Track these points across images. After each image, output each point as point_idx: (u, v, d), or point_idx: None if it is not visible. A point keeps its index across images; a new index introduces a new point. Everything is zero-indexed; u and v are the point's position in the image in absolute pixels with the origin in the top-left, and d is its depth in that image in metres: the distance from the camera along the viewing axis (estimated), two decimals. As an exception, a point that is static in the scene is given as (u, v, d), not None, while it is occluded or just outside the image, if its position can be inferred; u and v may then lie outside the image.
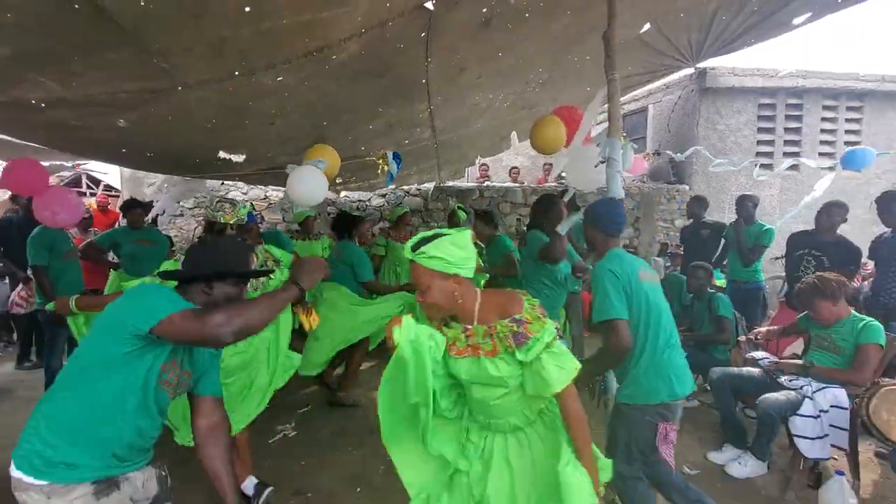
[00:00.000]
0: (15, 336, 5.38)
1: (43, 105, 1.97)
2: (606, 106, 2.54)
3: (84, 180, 11.61)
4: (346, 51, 1.99)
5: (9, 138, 3.16)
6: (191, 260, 1.59)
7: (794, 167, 6.32)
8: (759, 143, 7.71)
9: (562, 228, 2.91)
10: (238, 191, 7.18)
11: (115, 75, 1.82)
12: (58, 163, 4.78)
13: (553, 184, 8.02)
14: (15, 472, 1.35)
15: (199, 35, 1.64)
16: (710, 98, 7.57)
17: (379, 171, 4.20)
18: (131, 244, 4.09)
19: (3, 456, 3.00)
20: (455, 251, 1.36)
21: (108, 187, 11.37)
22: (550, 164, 9.16)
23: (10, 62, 1.65)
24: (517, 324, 1.34)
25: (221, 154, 2.92)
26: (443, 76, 2.64)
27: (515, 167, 9.21)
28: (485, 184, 7.91)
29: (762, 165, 5.65)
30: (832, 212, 3.58)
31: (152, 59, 1.68)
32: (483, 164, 9.58)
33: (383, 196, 7.14)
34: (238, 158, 3.04)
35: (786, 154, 7.56)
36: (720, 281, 4.91)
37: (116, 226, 6.27)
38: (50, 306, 2.39)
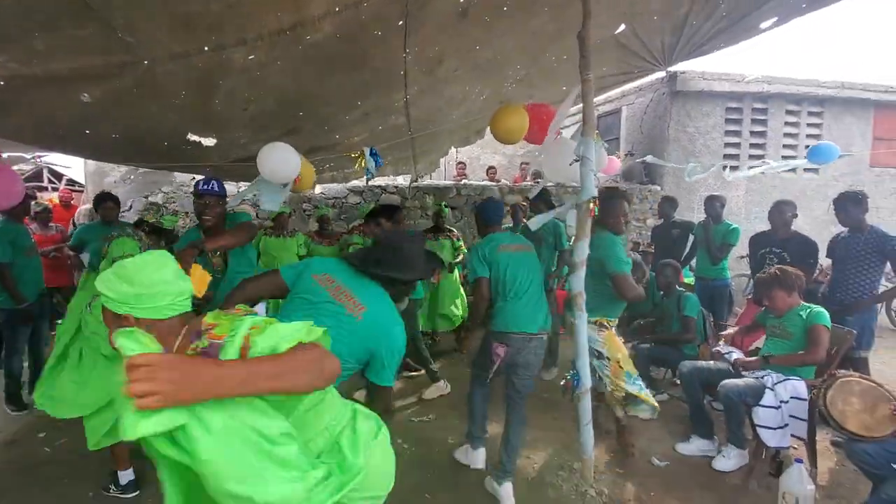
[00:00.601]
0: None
1: (1, 83, 1.88)
2: (581, 105, 2.59)
3: (45, 174, 11.13)
4: (321, 31, 1.95)
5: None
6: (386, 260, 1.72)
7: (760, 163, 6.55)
8: (727, 145, 7.96)
9: (533, 225, 2.96)
10: (210, 186, 7.01)
11: (79, 51, 1.75)
12: (17, 154, 4.58)
13: (529, 182, 8.11)
14: None
15: (165, 8, 1.59)
16: (681, 101, 7.77)
17: (356, 167, 4.17)
18: (102, 240, 3.87)
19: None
20: (119, 286, 1.11)
21: (71, 182, 10.92)
22: (527, 163, 9.27)
23: None
24: (200, 336, 1.14)
25: (191, 136, 2.81)
26: (420, 67, 2.63)
27: (492, 167, 9.26)
28: (462, 182, 7.94)
29: (731, 167, 5.84)
30: (782, 209, 3.76)
31: (117, 33, 1.62)
32: (460, 163, 9.60)
33: (360, 194, 7.09)
34: (208, 142, 2.93)
35: (751, 157, 7.83)
36: (689, 279, 5.06)
37: (76, 221, 6.04)
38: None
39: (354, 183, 7.31)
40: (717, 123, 7.91)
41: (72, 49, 1.75)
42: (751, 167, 5.81)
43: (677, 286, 3.89)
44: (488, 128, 4.03)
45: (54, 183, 11.08)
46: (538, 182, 8.26)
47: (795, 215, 3.81)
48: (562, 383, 2.84)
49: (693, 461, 2.96)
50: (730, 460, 2.85)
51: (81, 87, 2.08)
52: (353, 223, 6.35)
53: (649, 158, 6.39)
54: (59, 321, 3.60)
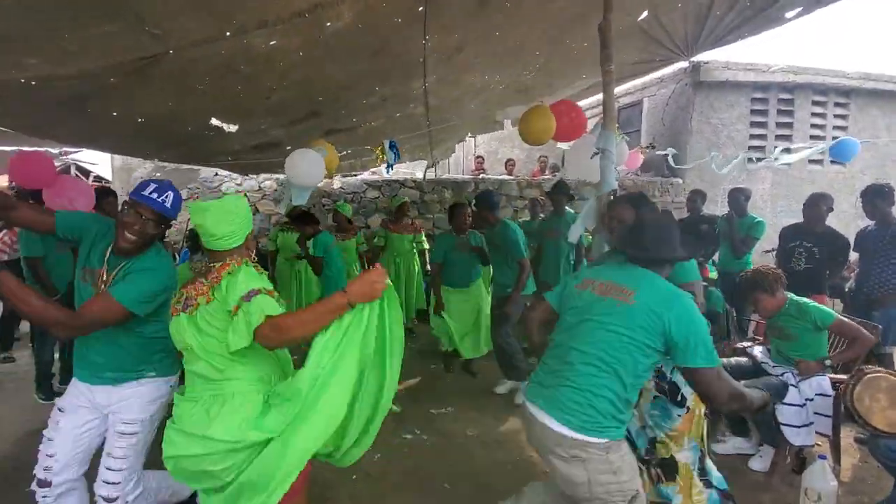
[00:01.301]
0: None
1: (34, 83, 1.95)
2: (601, 98, 2.56)
3: (73, 171, 11.47)
4: (341, 17, 1.97)
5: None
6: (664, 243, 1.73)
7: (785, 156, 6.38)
8: (752, 136, 7.77)
9: (573, 237, 2.92)
10: (232, 181, 7.14)
11: (109, 49, 1.80)
12: (43, 149, 4.73)
13: (547, 176, 8.06)
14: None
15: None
16: (704, 92, 7.61)
17: (375, 157, 4.20)
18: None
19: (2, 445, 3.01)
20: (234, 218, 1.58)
21: (99, 178, 11.24)
22: (546, 157, 9.20)
23: (2, 42, 1.63)
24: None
25: (214, 121, 2.86)
26: (439, 55, 2.61)
27: (511, 160, 9.22)
28: (480, 176, 7.93)
29: (756, 159, 5.71)
30: (818, 202, 3.64)
31: (144, 25, 1.66)
32: (479, 157, 9.59)
33: (378, 188, 7.13)
34: (231, 128, 2.98)
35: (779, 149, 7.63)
36: (713, 273, 4.98)
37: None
38: None
39: (373, 177, 7.37)
40: (742, 115, 7.72)
41: (102, 47, 1.80)
42: (775, 157, 5.64)
43: (703, 282, 3.81)
44: (507, 122, 4.01)
45: (83, 179, 11.42)
46: (556, 175, 8.21)
47: (831, 209, 3.69)
48: None
49: (724, 456, 2.92)
50: (767, 460, 2.80)
51: (110, 76, 2.13)
52: (382, 218, 6.40)
53: (670, 152, 6.28)
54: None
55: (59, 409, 1.91)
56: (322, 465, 2.78)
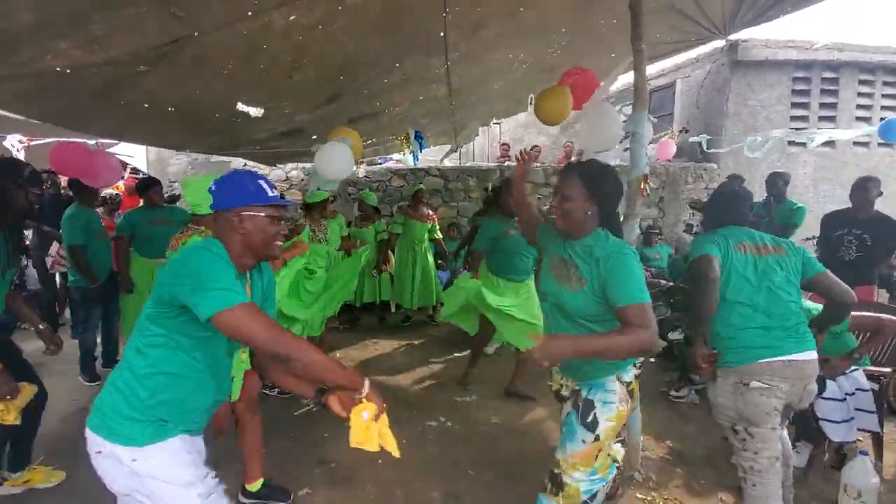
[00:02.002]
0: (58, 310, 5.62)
1: (68, 71, 2.00)
2: (632, 78, 2.46)
3: (120, 169, 11.89)
4: None
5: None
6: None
7: (829, 143, 6.06)
8: (793, 118, 7.40)
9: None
10: (260, 171, 7.26)
11: (136, 33, 1.84)
12: (81, 141, 4.89)
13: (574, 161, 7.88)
14: None
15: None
16: (742, 72, 7.27)
17: (399, 141, 4.18)
18: (148, 225, 3.86)
19: (39, 429, 3.16)
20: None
21: (135, 170, 11.61)
22: (571, 143, 9.00)
23: (33, 29, 1.67)
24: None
25: (240, 106, 2.90)
26: (461, 31, 2.53)
27: (536, 146, 9.06)
28: (505, 164, 7.82)
29: (795, 142, 5.44)
30: (867, 186, 3.41)
31: (169, 9, 1.68)
32: (504, 144, 9.46)
33: (403, 176, 7.13)
34: (256, 112, 3.01)
35: (821, 131, 7.25)
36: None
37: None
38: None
39: (398, 166, 7.37)
40: (783, 95, 7.36)
41: (129, 32, 1.83)
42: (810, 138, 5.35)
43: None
44: (531, 97, 3.89)
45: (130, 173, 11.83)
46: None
47: (881, 193, 3.46)
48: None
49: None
50: (804, 455, 2.70)
51: (140, 64, 2.18)
52: (399, 204, 6.43)
53: (703, 139, 6.04)
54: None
55: None
56: (348, 450, 2.84)
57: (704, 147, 6.53)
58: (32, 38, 1.74)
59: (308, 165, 7.10)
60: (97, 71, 2.10)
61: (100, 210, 4.87)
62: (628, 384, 1.69)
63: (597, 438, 1.61)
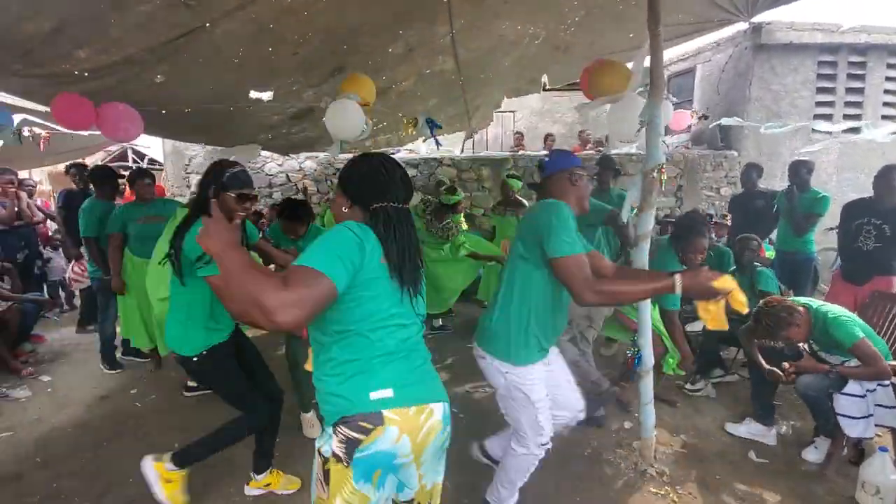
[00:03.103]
0: (76, 302, 5.77)
1: (86, 74, 2.03)
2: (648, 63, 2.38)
3: (130, 154, 12.10)
4: None
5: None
6: None
7: (853, 130, 5.83)
8: (818, 104, 7.16)
9: (625, 216, 2.73)
10: (273, 162, 7.30)
11: (148, 29, 1.85)
12: (96, 132, 4.94)
13: (590, 150, 7.76)
14: None
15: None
16: (765, 56, 7.04)
17: (410, 130, 4.12)
18: (137, 223, 3.56)
19: (61, 416, 3.25)
20: None
21: (153, 161, 11.81)
22: (587, 132, 8.85)
23: (55, 35, 1.69)
24: None
25: (252, 94, 2.90)
26: None
27: (551, 134, 8.94)
28: (519, 153, 7.73)
29: (818, 130, 5.25)
30: (892, 176, 3.28)
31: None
32: (518, 133, 9.34)
33: (416, 167, 7.09)
34: (267, 96, 3.01)
35: (846, 117, 6.99)
36: (770, 252, 4.67)
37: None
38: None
39: (411, 156, 7.33)
40: (808, 80, 7.11)
41: (142, 29, 1.83)
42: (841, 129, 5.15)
43: (756, 262, 3.58)
44: (544, 77, 3.78)
45: (138, 162, 12.03)
46: (600, 150, 7.89)
47: None
48: (622, 361, 2.75)
49: (767, 445, 2.79)
50: (822, 450, 2.64)
51: (155, 67, 2.20)
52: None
53: (724, 120, 5.87)
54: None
55: None
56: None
57: (721, 131, 6.34)
58: (52, 43, 1.76)
59: (321, 155, 7.11)
60: (115, 76, 2.12)
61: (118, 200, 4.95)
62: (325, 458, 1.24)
63: None
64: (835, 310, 2.51)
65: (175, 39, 1.95)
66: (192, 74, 2.40)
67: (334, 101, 2.92)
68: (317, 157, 7.21)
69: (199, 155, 7.84)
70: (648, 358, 2.46)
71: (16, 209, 4.99)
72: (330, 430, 1.23)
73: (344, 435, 1.19)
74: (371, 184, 1.31)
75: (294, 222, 2.90)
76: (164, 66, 2.21)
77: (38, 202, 6.15)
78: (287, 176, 7.35)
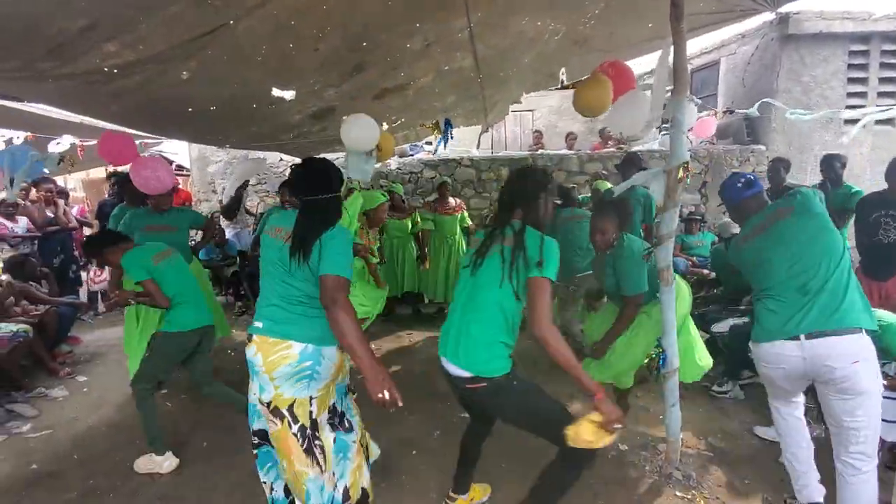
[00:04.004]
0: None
1: (115, 70, 2.09)
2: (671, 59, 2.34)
3: (172, 174, 12.43)
4: None
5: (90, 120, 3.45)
6: None
7: (887, 121, 5.61)
8: (850, 95, 6.90)
9: (617, 190, 2.74)
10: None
11: (176, 28, 1.90)
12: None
13: (612, 149, 7.65)
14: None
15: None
16: (793, 46, 6.82)
17: (429, 126, 4.13)
18: (142, 231, 3.45)
19: (97, 416, 3.36)
20: None
21: (179, 167, 12.11)
22: (608, 130, 8.72)
23: (86, 31, 1.75)
24: None
25: (274, 92, 2.94)
26: None
27: (572, 133, 8.84)
28: (538, 152, 7.68)
29: (849, 121, 5.07)
30: None
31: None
32: (536, 132, 9.28)
33: (434, 167, 7.11)
34: (289, 95, 3.05)
35: (880, 108, 6.72)
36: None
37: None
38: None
39: (429, 157, 7.35)
40: (838, 70, 6.86)
41: (170, 28, 1.89)
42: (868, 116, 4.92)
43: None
44: (563, 71, 3.75)
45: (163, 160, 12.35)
46: (621, 148, 7.77)
47: None
48: (646, 361, 2.70)
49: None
50: None
51: (181, 65, 2.25)
52: (426, 200, 6.43)
53: (751, 110, 5.71)
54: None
55: None
56: (382, 440, 2.88)
57: (749, 125, 6.17)
58: (83, 37, 1.82)
59: (340, 156, 7.19)
60: (141, 75, 2.19)
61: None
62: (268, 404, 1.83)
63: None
64: (884, 315, 2.43)
65: (200, 37, 2.00)
66: (217, 72, 2.44)
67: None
68: (337, 159, 7.30)
69: (221, 163, 8.04)
70: (673, 358, 2.42)
71: (52, 215, 5.21)
72: None
73: None
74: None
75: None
76: (190, 63, 2.26)
77: (75, 209, 6.39)
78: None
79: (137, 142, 4.16)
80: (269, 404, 1.80)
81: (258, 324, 1.83)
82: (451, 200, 5.44)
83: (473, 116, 5.02)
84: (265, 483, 2.03)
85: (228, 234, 6.35)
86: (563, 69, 3.84)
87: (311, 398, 1.83)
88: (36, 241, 5.16)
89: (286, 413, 1.79)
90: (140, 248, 2.76)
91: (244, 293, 6.18)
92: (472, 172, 7.00)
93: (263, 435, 1.93)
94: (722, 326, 3.63)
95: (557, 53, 3.45)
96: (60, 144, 4.14)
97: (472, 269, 1.86)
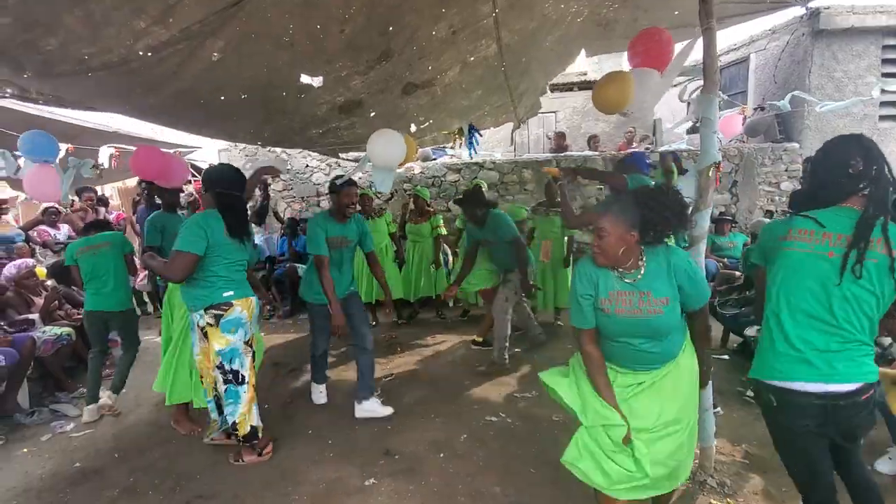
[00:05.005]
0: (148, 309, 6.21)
1: (149, 54, 2.14)
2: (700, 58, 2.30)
3: (189, 169, 12.83)
4: None
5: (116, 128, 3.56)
6: None
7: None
8: (884, 91, 6.64)
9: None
10: (321, 172, 7.55)
11: (202, 2, 1.93)
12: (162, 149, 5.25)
13: (636, 147, 7.54)
14: None
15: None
16: (825, 42, 6.62)
17: (454, 134, 4.14)
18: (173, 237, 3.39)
19: (135, 415, 3.47)
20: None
21: (209, 174, 12.48)
22: (633, 129, 8.60)
23: (117, 6, 1.81)
24: None
25: (303, 79, 2.98)
26: None
27: (595, 135, 8.75)
28: (562, 154, 7.62)
29: (884, 117, 4.88)
30: None
31: None
32: (559, 133, 9.21)
33: (458, 171, 7.14)
34: (317, 82, 3.07)
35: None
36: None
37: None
38: None
39: (452, 161, 7.38)
40: (872, 65, 6.64)
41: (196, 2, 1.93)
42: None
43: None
44: (583, 51, 3.71)
45: (196, 176, 12.72)
46: (647, 148, 7.65)
47: None
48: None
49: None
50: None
51: (210, 44, 2.27)
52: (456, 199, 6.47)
53: (783, 104, 5.53)
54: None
55: None
56: (411, 442, 2.90)
57: (780, 122, 6.00)
58: (116, 18, 1.88)
59: (362, 154, 7.29)
60: (173, 51, 2.21)
61: (182, 212, 5.25)
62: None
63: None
64: None
65: (228, 7, 1.99)
66: (246, 52, 2.46)
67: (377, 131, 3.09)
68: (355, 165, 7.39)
69: (244, 167, 8.23)
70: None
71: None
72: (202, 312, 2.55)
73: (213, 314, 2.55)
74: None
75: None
76: (219, 42, 2.27)
77: (112, 216, 6.64)
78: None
79: (171, 150, 4.31)
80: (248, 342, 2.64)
81: (229, 293, 2.59)
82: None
83: (502, 113, 4.97)
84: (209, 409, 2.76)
85: (258, 239, 6.50)
86: (582, 48, 3.77)
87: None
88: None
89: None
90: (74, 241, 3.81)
91: (272, 297, 6.30)
92: (496, 175, 7.00)
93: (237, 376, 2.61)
94: (754, 330, 3.54)
95: (579, 36, 3.39)
96: (100, 156, 4.32)
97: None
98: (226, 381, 2.60)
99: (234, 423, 2.63)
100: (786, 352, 1.53)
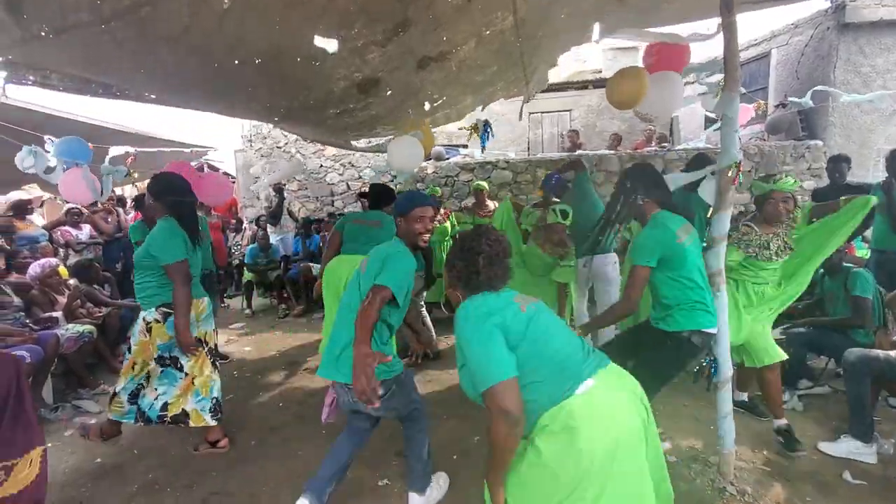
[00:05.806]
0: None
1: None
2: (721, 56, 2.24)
3: (206, 169, 13.05)
4: None
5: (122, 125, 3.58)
6: None
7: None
8: (917, 85, 6.44)
9: (671, 183, 2.55)
10: (335, 172, 7.59)
11: None
12: (177, 149, 5.34)
13: (653, 148, 7.42)
14: None
15: None
16: (851, 35, 6.42)
17: (469, 128, 4.13)
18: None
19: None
20: None
21: (226, 174, 12.66)
22: (652, 128, 8.47)
23: None
24: None
25: (317, 41, 2.89)
26: None
27: (617, 134, 8.61)
28: (577, 152, 7.54)
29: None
30: None
31: None
32: (573, 132, 9.12)
33: (471, 170, 7.11)
34: (332, 47, 2.97)
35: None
36: (862, 251, 4.25)
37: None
38: None
39: (465, 160, 7.37)
40: (903, 59, 6.42)
41: None
42: None
43: (844, 262, 3.26)
44: (596, 27, 3.65)
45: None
46: (663, 146, 7.53)
47: None
48: (695, 369, 2.59)
49: (863, 465, 2.53)
50: None
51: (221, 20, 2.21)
52: (464, 204, 6.44)
53: (804, 100, 5.39)
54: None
55: None
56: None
57: (803, 119, 5.84)
58: None
59: (383, 156, 7.33)
60: (179, 18, 2.13)
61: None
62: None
63: (186, 375, 2.85)
64: None
65: None
66: (256, 6, 2.27)
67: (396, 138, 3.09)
68: (369, 165, 7.42)
69: (257, 168, 8.33)
70: (725, 367, 2.31)
71: (117, 222, 5.54)
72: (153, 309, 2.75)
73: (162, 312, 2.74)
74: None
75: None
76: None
77: (131, 216, 6.77)
78: (347, 185, 7.61)
79: (187, 150, 4.36)
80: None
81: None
82: (489, 204, 5.44)
83: (514, 86, 4.88)
84: (155, 390, 2.83)
85: (273, 239, 6.56)
86: (596, 24, 3.69)
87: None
88: (99, 247, 5.50)
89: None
90: None
91: (287, 296, 6.36)
92: (509, 175, 6.96)
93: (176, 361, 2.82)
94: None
95: (594, 11, 3.32)
96: (117, 154, 4.40)
97: None
98: (163, 366, 2.78)
99: (185, 411, 2.79)
100: None
